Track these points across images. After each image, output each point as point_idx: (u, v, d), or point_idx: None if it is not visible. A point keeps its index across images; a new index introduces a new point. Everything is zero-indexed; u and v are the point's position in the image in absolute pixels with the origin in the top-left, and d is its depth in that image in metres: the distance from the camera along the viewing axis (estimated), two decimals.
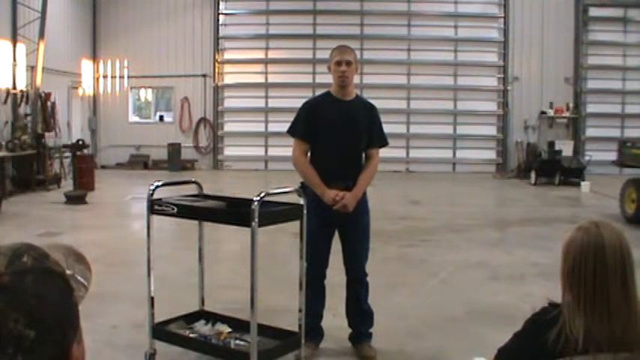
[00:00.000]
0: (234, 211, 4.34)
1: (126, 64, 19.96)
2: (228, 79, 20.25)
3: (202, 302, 4.92)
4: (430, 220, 11.02)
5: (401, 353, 4.89)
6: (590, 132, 19.61)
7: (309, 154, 4.74)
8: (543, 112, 19.24)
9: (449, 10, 19.72)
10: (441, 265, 7.63)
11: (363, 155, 4.79)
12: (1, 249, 0.96)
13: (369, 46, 19.47)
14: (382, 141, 4.86)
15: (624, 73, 19.50)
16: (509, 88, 19.57)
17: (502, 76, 19.74)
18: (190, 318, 4.77)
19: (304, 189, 4.49)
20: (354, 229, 4.71)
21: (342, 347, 4.86)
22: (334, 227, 4.70)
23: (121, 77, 20.06)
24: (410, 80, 19.69)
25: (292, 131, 4.76)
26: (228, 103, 20.27)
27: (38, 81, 15.08)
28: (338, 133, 4.63)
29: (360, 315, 4.82)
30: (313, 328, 4.61)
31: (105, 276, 6.31)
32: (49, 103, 16.10)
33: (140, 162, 19.82)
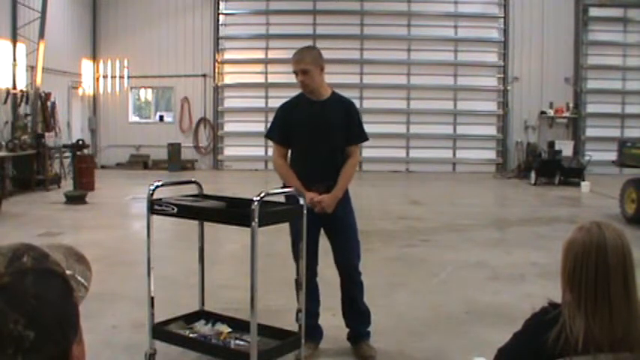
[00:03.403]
0: (234, 211, 4.34)
1: (126, 64, 19.96)
2: (228, 79, 20.26)
3: (202, 302, 4.92)
4: (430, 220, 11.01)
5: (401, 353, 4.89)
6: (590, 132, 19.61)
7: (289, 155, 4.75)
8: (543, 112, 19.25)
9: (449, 10, 19.73)
10: (441, 265, 7.63)
11: (343, 153, 4.74)
12: (1, 249, 0.96)
13: (369, 46, 19.49)
14: (361, 137, 4.82)
15: (624, 73, 19.51)
16: (509, 88, 19.57)
17: (502, 76, 19.75)
18: (190, 318, 4.77)
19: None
20: (338, 228, 4.70)
21: (342, 347, 4.86)
22: (318, 227, 4.66)
23: (121, 77, 20.07)
24: (410, 80, 19.67)
25: (270, 135, 4.83)
26: (228, 103, 20.28)
27: (38, 81, 15.09)
28: (312, 135, 4.63)
29: (356, 314, 4.81)
30: (311, 328, 4.60)
31: (105, 276, 6.32)
32: (49, 103, 16.10)
33: (140, 162, 19.82)
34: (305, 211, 4.31)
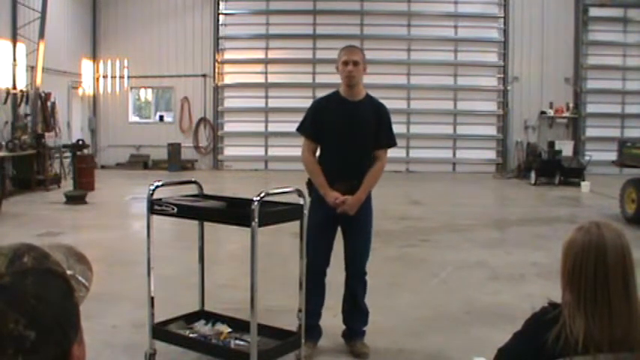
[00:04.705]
0: (234, 211, 4.34)
1: (126, 64, 19.96)
2: (228, 79, 20.25)
3: (202, 302, 4.92)
4: (430, 220, 11.02)
5: (401, 352, 4.89)
6: (590, 132, 19.62)
7: (318, 152, 4.77)
8: (543, 112, 19.25)
9: (449, 10, 19.73)
10: (441, 265, 7.63)
11: (371, 155, 4.79)
12: (2, 249, 0.96)
13: (369, 46, 19.38)
14: (390, 141, 4.86)
15: (624, 73, 19.51)
16: (509, 88, 19.57)
17: (502, 76, 19.75)
18: (190, 318, 4.77)
19: (311, 185, 4.54)
20: (356, 228, 4.74)
21: (341, 346, 4.87)
22: (337, 225, 4.72)
23: (121, 77, 20.07)
24: (410, 80, 19.69)
25: (301, 130, 4.81)
26: (228, 103, 20.27)
27: (38, 81, 15.08)
28: (343, 133, 4.65)
29: (355, 312, 4.84)
30: (312, 327, 4.62)
31: (105, 276, 6.32)
32: (49, 103, 16.10)
33: (140, 162, 19.82)
34: (305, 211, 4.32)
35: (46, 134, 15.22)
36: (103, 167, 19.33)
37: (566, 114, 19.26)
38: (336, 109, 4.71)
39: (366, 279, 4.82)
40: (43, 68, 15.15)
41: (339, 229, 4.78)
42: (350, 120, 4.66)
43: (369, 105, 4.80)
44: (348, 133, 4.65)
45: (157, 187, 4.50)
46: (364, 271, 4.80)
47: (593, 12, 19.44)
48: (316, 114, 4.75)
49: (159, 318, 4.58)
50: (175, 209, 4.36)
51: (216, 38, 20.00)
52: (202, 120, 20.14)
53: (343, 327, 4.89)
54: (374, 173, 4.72)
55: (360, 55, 4.72)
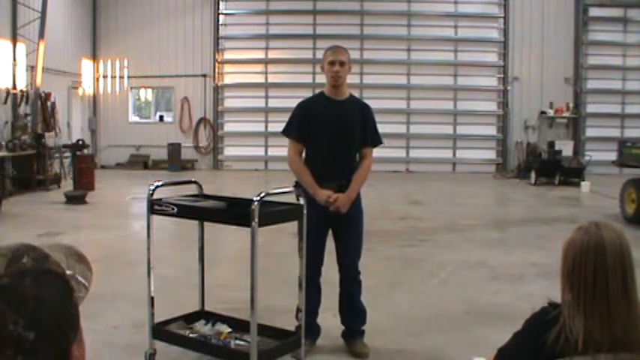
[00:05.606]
0: (234, 211, 4.34)
1: (126, 64, 19.97)
2: (228, 79, 20.26)
3: (202, 302, 4.92)
4: (430, 220, 11.02)
5: (401, 352, 4.89)
6: (590, 132, 19.62)
7: (304, 153, 4.78)
8: (543, 112, 19.25)
9: (449, 10, 19.73)
10: (441, 265, 7.63)
11: (357, 155, 4.81)
12: (1, 250, 0.96)
13: (369, 46, 19.48)
14: (376, 140, 4.89)
15: (624, 73, 19.51)
16: (509, 88, 19.57)
17: (502, 76, 19.75)
18: (190, 318, 4.77)
19: (298, 188, 4.54)
20: (347, 227, 4.74)
21: (340, 345, 4.87)
22: (328, 226, 4.72)
23: (121, 77, 20.07)
24: (410, 80, 19.69)
25: (286, 132, 4.82)
26: (228, 103, 20.27)
27: (38, 81, 15.09)
28: (330, 133, 4.67)
29: (352, 312, 4.85)
30: (309, 325, 4.62)
31: (105, 276, 6.32)
32: (49, 103, 16.10)
33: (140, 162, 19.82)
34: (305, 211, 4.32)
35: (46, 134, 15.22)
36: (103, 167, 19.33)
37: (566, 114, 19.25)
38: (322, 108, 4.73)
39: (360, 278, 4.82)
40: (43, 68, 15.15)
41: (330, 229, 4.77)
42: (337, 119, 4.68)
43: (354, 104, 4.85)
44: (335, 132, 4.67)
45: (157, 187, 4.50)
46: (358, 271, 4.80)
47: (593, 12, 19.44)
48: (302, 114, 4.76)
49: (159, 318, 4.58)
50: (175, 209, 4.36)
51: (216, 38, 20.00)
52: (202, 120, 20.14)
53: (342, 327, 4.89)
54: (362, 172, 4.75)
55: (346, 56, 4.74)
